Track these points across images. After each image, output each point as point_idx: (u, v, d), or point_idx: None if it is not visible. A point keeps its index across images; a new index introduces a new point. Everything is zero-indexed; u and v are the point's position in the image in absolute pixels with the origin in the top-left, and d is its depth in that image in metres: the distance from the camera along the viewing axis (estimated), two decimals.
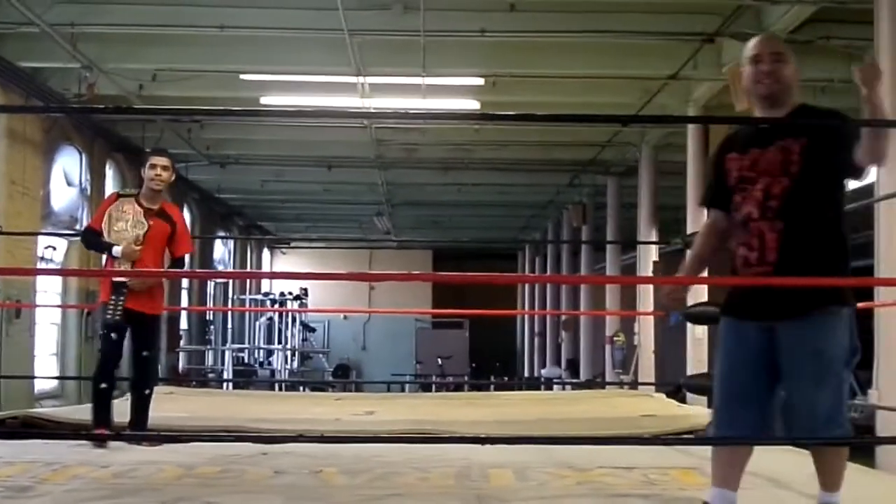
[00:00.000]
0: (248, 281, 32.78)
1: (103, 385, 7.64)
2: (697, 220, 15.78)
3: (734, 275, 4.72)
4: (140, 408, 7.75)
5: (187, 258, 8.38)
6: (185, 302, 24.72)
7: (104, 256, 7.97)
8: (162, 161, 7.86)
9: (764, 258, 4.51)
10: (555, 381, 26.54)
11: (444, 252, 36.64)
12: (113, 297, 7.59)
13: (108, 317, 7.59)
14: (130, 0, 13.19)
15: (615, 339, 21.77)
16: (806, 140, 4.45)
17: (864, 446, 10.75)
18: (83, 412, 9.45)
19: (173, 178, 7.99)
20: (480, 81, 15.62)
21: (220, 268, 29.98)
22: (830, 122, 4.59)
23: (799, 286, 4.41)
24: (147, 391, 7.80)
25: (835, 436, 4.43)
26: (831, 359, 4.41)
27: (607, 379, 21.72)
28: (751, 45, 4.69)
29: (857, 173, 4.49)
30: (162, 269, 8.03)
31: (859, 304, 4.70)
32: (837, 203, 4.56)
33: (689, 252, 5.10)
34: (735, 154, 4.66)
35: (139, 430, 7.65)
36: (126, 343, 7.80)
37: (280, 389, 23.01)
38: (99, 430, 7.40)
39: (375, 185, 25.17)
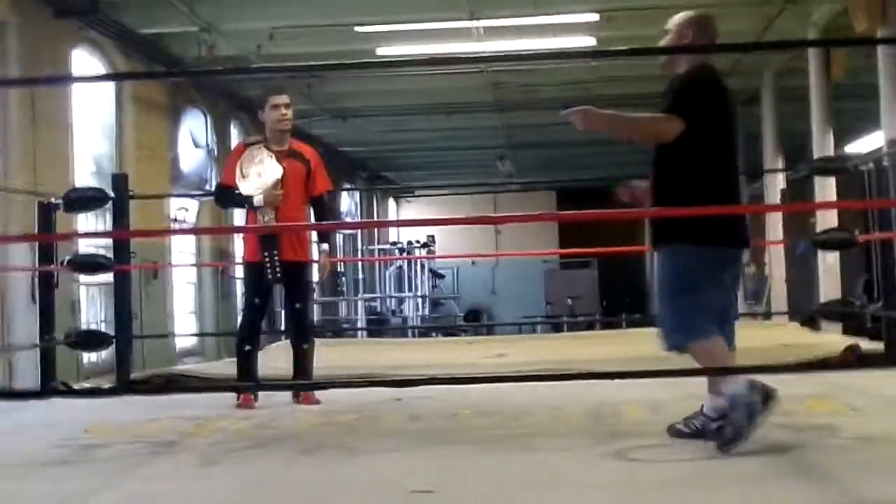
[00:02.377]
0: (375, 231, 33.08)
1: (247, 347, 7.66)
2: (823, 145, 15.49)
3: None
4: (301, 363, 7.67)
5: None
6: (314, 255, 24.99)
7: (243, 213, 7.90)
8: (283, 99, 7.67)
9: (650, 201, 5.52)
10: None
11: (568, 192, 36.42)
12: (266, 255, 7.47)
13: (269, 277, 7.49)
14: None
15: (746, 269, 21.52)
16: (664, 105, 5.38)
17: None
18: (222, 367, 9.74)
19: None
20: (595, 17, 15.48)
21: (347, 219, 30.26)
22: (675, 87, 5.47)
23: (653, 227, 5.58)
24: (305, 345, 7.70)
25: (665, 344, 5.43)
26: (663, 283, 5.47)
27: (740, 310, 21.49)
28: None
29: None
30: (299, 222, 7.82)
31: None
32: (690, 155, 5.27)
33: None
34: None
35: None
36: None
37: (412, 336, 23.29)
38: (245, 398, 7.43)
39: (495, 129, 25.13)
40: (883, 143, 12.70)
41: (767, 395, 5.06)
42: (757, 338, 11.18)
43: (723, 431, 5.05)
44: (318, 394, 7.46)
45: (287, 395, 7.64)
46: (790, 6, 14.67)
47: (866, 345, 9.69)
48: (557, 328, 26.71)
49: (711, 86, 5.50)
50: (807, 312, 14.71)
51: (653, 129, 5.36)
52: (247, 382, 7.55)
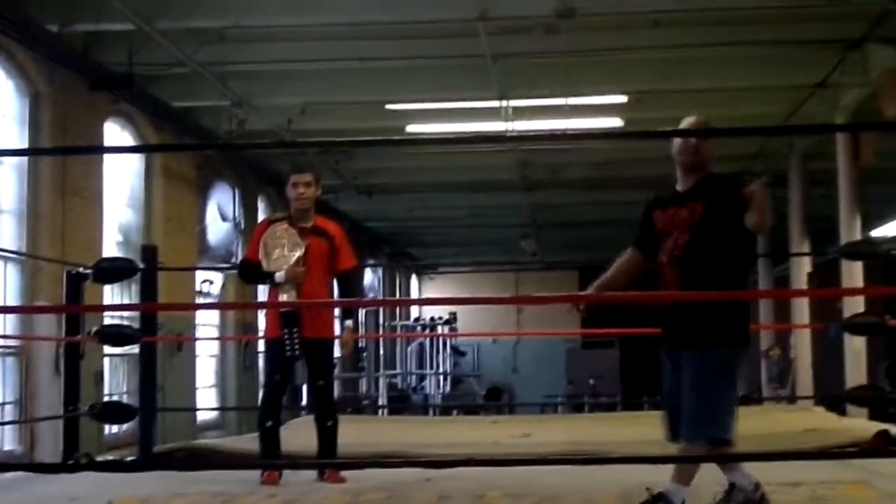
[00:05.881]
0: (398, 307, 33.05)
1: (269, 423, 7.55)
2: (851, 228, 15.44)
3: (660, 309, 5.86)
4: (325, 440, 7.57)
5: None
6: (336, 331, 24.96)
7: (266, 288, 7.87)
8: (303, 178, 7.59)
9: None
10: None
11: (591, 272, 36.42)
12: (286, 331, 7.40)
13: (288, 353, 7.41)
14: (277, 37, 13.45)
15: (770, 353, 21.38)
16: (706, 204, 5.55)
17: None
18: (245, 442, 9.67)
19: (319, 192, 7.74)
20: (624, 99, 15.57)
21: (371, 295, 30.27)
22: (730, 188, 5.58)
23: (692, 324, 5.55)
24: (329, 422, 7.59)
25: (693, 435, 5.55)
26: (703, 376, 5.46)
27: (763, 394, 21.34)
28: (683, 121, 5.88)
29: (752, 232, 5.51)
30: (322, 298, 7.78)
31: None
32: (733, 255, 5.58)
33: (603, 275, 6.12)
34: (659, 210, 5.81)
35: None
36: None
37: (434, 414, 23.15)
38: (269, 475, 7.29)
39: (521, 208, 25.20)
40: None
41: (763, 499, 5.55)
42: (782, 422, 11.07)
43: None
44: (344, 472, 7.39)
45: (312, 473, 7.58)
46: (819, 90, 14.72)
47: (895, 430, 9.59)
48: (579, 408, 26.54)
49: None
50: (835, 397, 14.59)
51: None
52: (270, 459, 7.46)
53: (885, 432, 9.33)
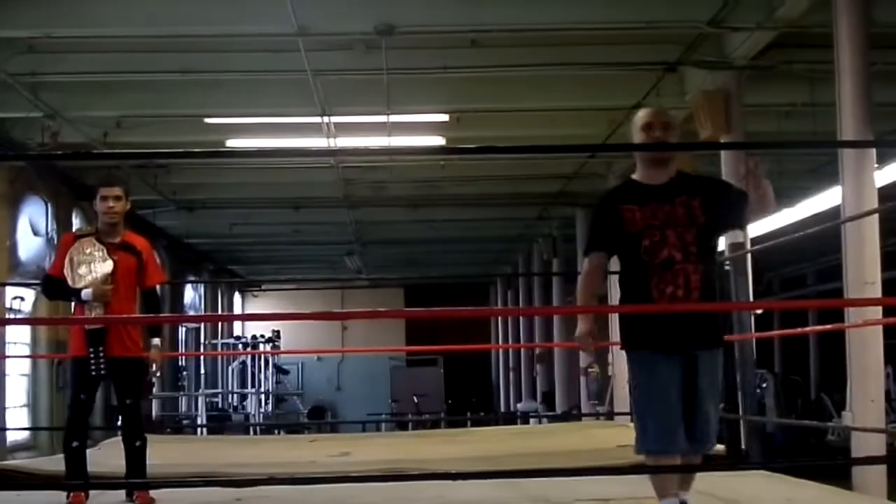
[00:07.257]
0: (219, 325, 32.62)
1: (75, 444, 7.27)
2: None
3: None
4: (133, 460, 7.33)
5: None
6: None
7: (72, 305, 7.67)
8: (112, 191, 7.38)
9: (690, 295, 5.33)
10: (531, 414, 26.47)
11: (415, 289, 36.59)
12: (91, 350, 7.18)
13: (93, 372, 7.18)
14: (91, 48, 13.08)
15: (590, 370, 21.70)
16: (701, 198, 5.42)
17: (841, 468, 10.78)
18: (56, 463, 9.36)
19: (128, 207, 7.52)
20: (445, 117, 15.63)
21: (191, 313, 29.80)
22: (720, 184, 5.80)
23: (715, 323, 5.51)
24: (138, 442, 7.36)
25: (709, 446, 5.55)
26: (717, 385, 5.55)
27: (583, 410, 21.67)
28: (642, 115, 5.77)
29: (744, 225, 5.99)
30: (134, 315, 7.57)
31: (829, 326, 5.66)
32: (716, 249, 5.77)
33: (583, 293, 5.92)
34: (633, 206, 5.50)
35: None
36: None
37: (255, 433, 22.91)
38: (75, 496, 7.03)
39: (344, 225, 25.12)
40: (723, 246, 12.97)
41: None
42: (598, 438, 11.23)
43: None
44: (154, 492, 7.20)
45: (120, 494, 7.36)
46: (635, 111, 14.99)
47: None
48: (402, 426, 26.60)
49: None
50: None
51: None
52: (76, 479, 7.23)
53: None
